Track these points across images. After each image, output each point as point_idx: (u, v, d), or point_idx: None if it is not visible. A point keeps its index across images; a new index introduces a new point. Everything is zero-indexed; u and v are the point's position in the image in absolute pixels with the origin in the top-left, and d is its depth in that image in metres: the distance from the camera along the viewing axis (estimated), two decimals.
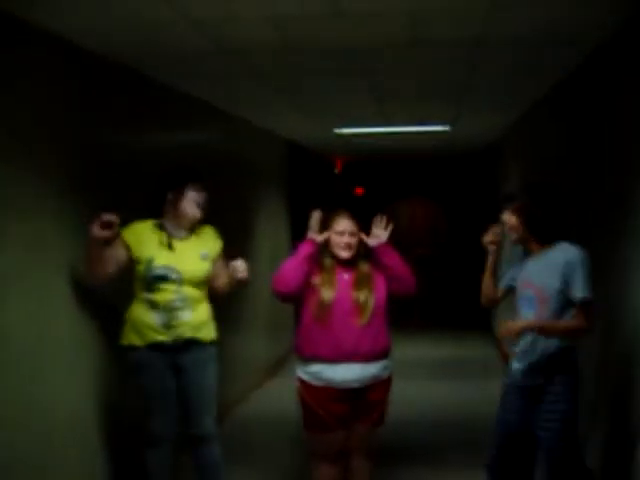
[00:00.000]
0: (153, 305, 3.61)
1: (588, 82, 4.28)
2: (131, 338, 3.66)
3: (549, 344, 3.29)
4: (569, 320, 3.25)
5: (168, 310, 3.61)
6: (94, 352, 3.87)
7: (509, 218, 3.39)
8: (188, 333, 3.67)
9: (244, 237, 6.72)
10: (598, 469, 3.75)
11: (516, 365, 3.41)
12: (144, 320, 3.62)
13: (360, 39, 3.71)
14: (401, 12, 3.27)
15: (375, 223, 3.74)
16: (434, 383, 7.20)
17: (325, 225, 3.71)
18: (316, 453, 3.83)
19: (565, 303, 3.26)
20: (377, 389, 3.69)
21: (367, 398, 3.68)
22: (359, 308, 3.61)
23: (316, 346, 3.62)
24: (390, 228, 3.74)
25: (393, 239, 3.74)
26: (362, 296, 3.62)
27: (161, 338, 3.63)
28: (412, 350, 8.31)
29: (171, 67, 4.34)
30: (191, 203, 3.67)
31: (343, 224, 3.68)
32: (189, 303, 3.66)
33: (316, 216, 3.68)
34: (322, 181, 11.14)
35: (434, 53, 4.07)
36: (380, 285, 3.69)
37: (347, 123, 7.19)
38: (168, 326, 3.62)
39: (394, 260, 3.69)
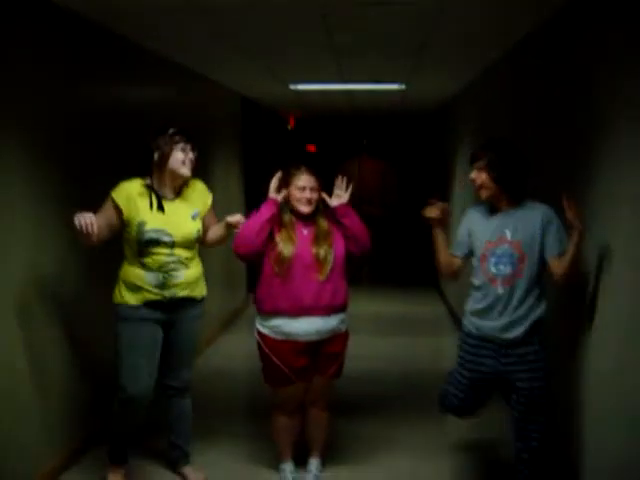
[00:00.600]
0: (147, 267, 3.56)
1: (542, 45, 4.37)
2: (126, 297, 3.59)
3: (522, 296, 3.33)
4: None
5: (162, 272, 3.57)
6: (55, 304, 3.88)
7: (478, 176, 3.39)
8: (183, 292, 3.66)
9: None
10: None
11: (490, 323, 3.42)
12: (138, 281, 3.57)
13: None
14: None
15: (336, 184, 3.79)
16: (385, 339, 7.34)
17: (285, 181, 3.75)
18: (276, 405, 3.92)
19: (542, 260, 3.33)
20: (336, 342, 3.78)
21: (326, 351, 3.76)
22: (319, 263, 3.67)
23: (276, 300, 3.67)
24: (351, 189, 3.80)
25: None
26: (322, 251, 3.68)
27: (157, 298, 3.60)
28: (362, 308, 8.44)
29: (130, 21, 4.28)
30: (179, 162, 3.58)
31: (304, 179, 3.72)
32: (182, 263, 3.63)
33: (277, 176, 3.71)
34: (275, 138, 11.11)
35: (394, 10, 4.09)
36: (339, 241, 3.76)
37: (304, 79, 7.17)
38: (163, 287, 3.59)
39: (353, 221, 3.75)
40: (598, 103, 3.34)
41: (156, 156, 3.56)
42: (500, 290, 3.37)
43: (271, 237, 3.69)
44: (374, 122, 12.81)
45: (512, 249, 3.35)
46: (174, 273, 3.59)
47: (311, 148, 13.21)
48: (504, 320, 3.37)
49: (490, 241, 3.42)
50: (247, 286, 8.73)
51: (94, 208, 3.51)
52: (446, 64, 6.15)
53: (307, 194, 3.71)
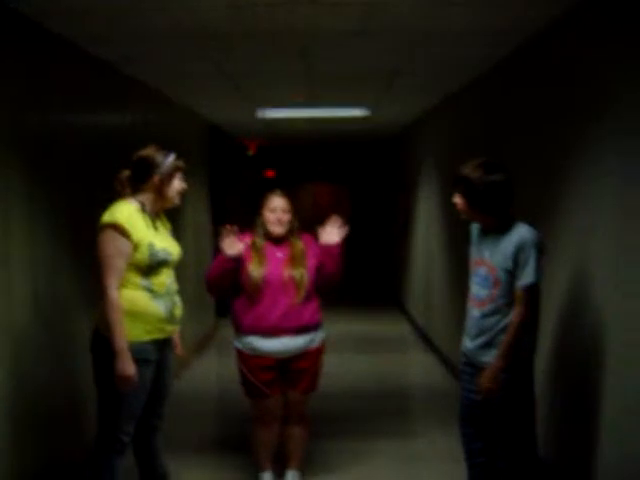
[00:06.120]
0: (153, 292, 3.32)
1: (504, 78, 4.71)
2: (136, 332, 3.28)
3: (494, 321, 3.26)
4: (511, 324, 3.20)
5: (167, 296, 3.38)
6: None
7: (457, 200, 3.36)
8: (180, 321, 3.53)
9: (169, 216, 6.70)
10: (550, 461, 3.79)
11: (469, 345, 3.38)
12: (152, 311, 3.32)
13: (310, 26, 3.90)
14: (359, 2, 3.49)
15: (330, 222, 3.98)
16: (354, 357, 7.48)
17: (260, 205, 3.98)
18: (255, 417, 4.08)
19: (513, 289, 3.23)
20: (305, 359, 3.97)
21: (296, 367, 3.97)
22: (294, 285, 3.87)
23: (247, 320, 3.90)
24: (345, 231, 3.99)
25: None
26: (298, 274, 3.88)
27: (169, 329, 3.42)
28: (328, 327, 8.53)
29: (108, 45, 4.29)
30: (176, 191, 3.45)
31: (275, 201, 3.94)
32: (175, 286, 3.50)
33: (231, 231, 3.81)
34: (235, 164, 11.17)
35: (377, 42, 4.28)
36: (311, 263, 3.95)
37: (272, 105, 7.25)
38: (172, 314, 3.41)
39: (333, 263, 3.95)
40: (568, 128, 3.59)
41: (157, 179, 3.39)
42: (475, 312, 3.33)
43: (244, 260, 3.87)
44: (336, 148, 13.01)
45: (488, 272, 3.27)
46: (175, 297, 3.43)
47: (270, 174, 13.33)
48: (477, 342, 3.32)
49: (476, 260, 3.39)
50: (216, 311, 8.78)
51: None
52: (413, 91, 6.36)
53: (277, 215, 3.91)
